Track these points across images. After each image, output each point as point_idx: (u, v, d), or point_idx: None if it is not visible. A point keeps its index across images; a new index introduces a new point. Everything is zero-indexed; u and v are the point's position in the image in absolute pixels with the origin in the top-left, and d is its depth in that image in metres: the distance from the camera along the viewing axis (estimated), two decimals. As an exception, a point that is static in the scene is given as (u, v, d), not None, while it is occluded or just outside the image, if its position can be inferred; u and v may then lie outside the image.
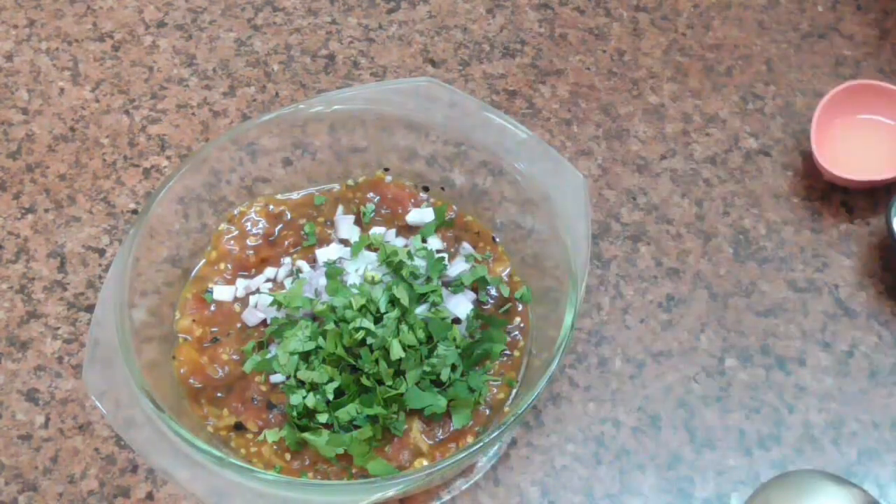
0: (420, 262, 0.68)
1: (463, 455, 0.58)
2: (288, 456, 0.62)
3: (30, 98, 0.84)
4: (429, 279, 0.67)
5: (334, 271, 0.67)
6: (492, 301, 0.68)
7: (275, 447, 0.62)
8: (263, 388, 0.65)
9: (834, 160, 0.77)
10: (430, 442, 0.63)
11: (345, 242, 0.71)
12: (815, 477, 0.59)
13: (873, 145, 0.79)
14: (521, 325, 0.67)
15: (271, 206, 0.72)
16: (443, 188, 0.73)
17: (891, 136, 0.79)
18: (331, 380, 0.63)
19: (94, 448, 0.67)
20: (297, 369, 0.63)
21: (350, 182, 0.74)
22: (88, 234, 0.77)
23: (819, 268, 0.75)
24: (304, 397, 0.62)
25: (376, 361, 0.63)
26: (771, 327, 0.72)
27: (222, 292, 0.68)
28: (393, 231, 0.71)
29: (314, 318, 0.66)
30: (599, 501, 0.66)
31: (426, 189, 0.73)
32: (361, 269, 0.68)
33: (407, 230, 0.72)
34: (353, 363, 0.63)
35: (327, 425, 0.62)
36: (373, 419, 0.62)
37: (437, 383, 0.64)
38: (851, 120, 0.79)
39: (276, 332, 0.66)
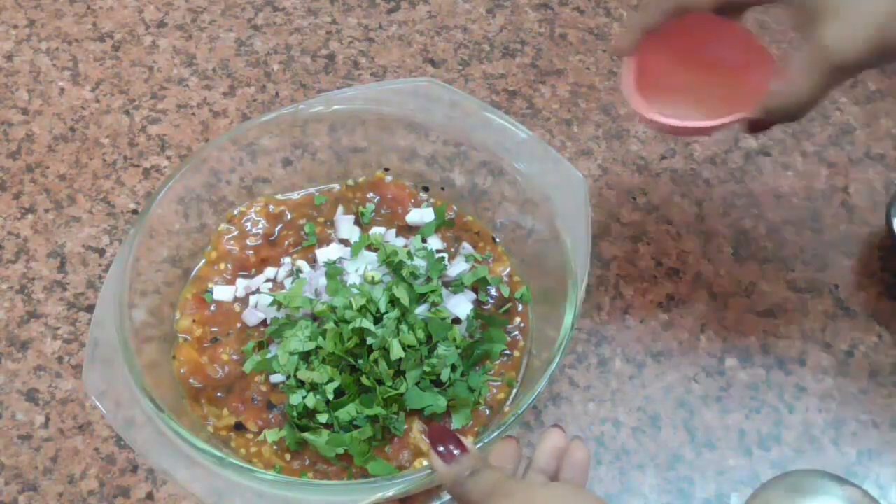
0: (420, 262, 0.68)
1: (463, 455, 0.58)
2: (288, 456, 0.62)
3: (30, 98, 0.84)
4: (429, 279, 0.67)
5: (334, 271, 0.67)
6: (492, 301, 0.68)
7: (275, 447, 0.62)
8: (263, 388, 0.65)
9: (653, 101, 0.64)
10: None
11: (345, 242, 0.71)
12: (815, 477, 0.59)
13: (703, 88, 0.65)
14: (521, 325, 0.67)
15: (271, 206, 0.72)
16: (443, 188, 0.73)
17: (727, 79, 0.64)
18: (331, 380, 0.63)
19: (94, 448, 0.67)
20: (297, 369, 0.63)
21: (350, 182, 0.74)
22: (88, 234, 0.77)
23: (819, 268, 0.75)
24: (304, 397, 0.62)
25: (376, 361, 0.63)
26: (771, 327, 0.72)
27: (222, 292, 0.68)
28: (393, 231, 0.71)
29: (314, 318, 0.66)
30: (599, 501, 0.66)
31: (426, 189, 0.73)
32: (361, 269, 0.68)
33: (407, 230, 0.72)
34: (353, 363, 0.63)
35: (327, 425, 0.62)
36: (373, 419, 0.62)
37: (437, 383, 0.64)
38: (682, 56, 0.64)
39: (276, 332, 0.66)
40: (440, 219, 0.71)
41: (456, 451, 0.51)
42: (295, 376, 0.63)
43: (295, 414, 0.62)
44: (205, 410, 0.64)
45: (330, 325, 0.64)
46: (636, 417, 0.68)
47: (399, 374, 0.63)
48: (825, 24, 0.48)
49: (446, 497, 0.65)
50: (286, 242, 0.71)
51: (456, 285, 0.68)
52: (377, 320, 0.64)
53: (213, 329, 0.67)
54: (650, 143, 0.82)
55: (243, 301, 0.69)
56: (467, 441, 0.52)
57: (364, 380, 0.63)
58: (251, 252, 0.70)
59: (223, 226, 0.71)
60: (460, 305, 0.66)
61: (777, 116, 0.55)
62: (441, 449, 0.52)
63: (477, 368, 0.65)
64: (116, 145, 0.82)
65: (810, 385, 0.70)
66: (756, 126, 0.57)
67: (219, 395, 0.64)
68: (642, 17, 0.59)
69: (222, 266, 0.70)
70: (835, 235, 0.77)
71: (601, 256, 0.76)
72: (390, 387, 0.62)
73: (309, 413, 0.63)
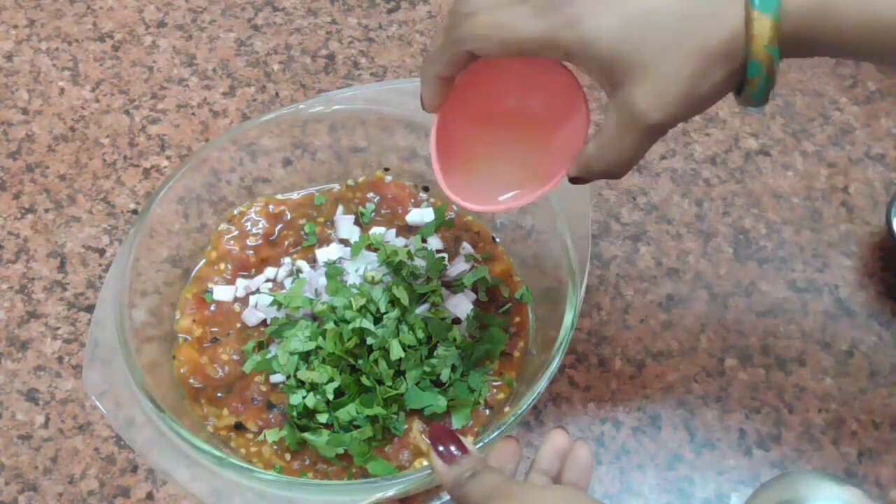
0: (420, 262, 0.68)
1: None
2: (288, 456, 0.62)
3: (30, 98, 0.84)
4: (429, 279, 0.67)
5: (334, 271, 0.67)
6: (492, 301, 0.68)
7: (275, 447, 0.62)
8: (263, 388, 0.65)
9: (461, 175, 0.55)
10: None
11: (345, 242, 0.71)
12: (815, 477, 0.59)
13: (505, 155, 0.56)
14: (522, 324, 0.67)
15: (271, 206, 0.72)
16: (443, 188, 0.73)
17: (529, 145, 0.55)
18: (331, 380, 0.63)
19: (94, 448, 0.67)
20: (297, 369, 0.63)
21: (350, 182, 0.74)
22: (88, 234, 0.77)
23: (819, 268, 0.75)
24: (304, 397, 0.62)
25: (376, 361, 0.63)
26: (771, 327, 0.72)
27: (222, 292, 0.68)
28: (393, 231, 0.71)
29: (314, 318, 0.66)
30: (599, 501, 0.66)
31: (426, 189, 0.73)
32: (361, 269, 0.68)
33: (407, 230, 0.72)
34: (353, 363, 0.63)
35: (327, 425, 0.62)
36: (373, 419, 0.62)
37: (437, 383, 0.64)
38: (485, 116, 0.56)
39: (276, 332, 0.66)
40: (440, 219, 0.71)
41: (456, 452, 0.51)
42: (295, 376, 0.63)
43: (295, 414, 0.62)
44: (205, 410, 0.64)
45: (330, 325, 0.64)
46: (636, 417, 0.68)
47: (399, 374, 0.63)
48: (634, 88, 0.47)
49: (446, 497, 0.65)
50: (286, 242, 0.71)
51: (456, 285, 0.68)
52: (377, 320, 0.64)
53: (213, 329, 0.67)
54: (650, 143, 0.81)
55: (243, 301, 0.69)
56: (467, 442, 0.52)
57: (364, 380, 0.63)
58: (251, 252, 0.70)
59: (223, 226, 0.71)
60: (460, 305, 0.66)
61: (596, 176, 0.53)
62: (441, 449, 0.52)
63: (477, 368, 0.65)
64: (116, 145, 0.82)
65: (810, 385, 0.70)
66: (576, 181, 0.54)
67: (219, 395, 0.64)
68: (431, 67, 0.51)
69: (222, 266, 0.70)
70: (835, 235, 0.77)
71: (601, 256, 0.76)
72: (390, 387, 0.62)
73: (309, 413, 0.63)
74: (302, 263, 0.69)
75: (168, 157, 0.81)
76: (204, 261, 0.70)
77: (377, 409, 0.61)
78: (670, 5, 0.46)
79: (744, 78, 0.47)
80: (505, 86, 0.54)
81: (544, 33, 0.47)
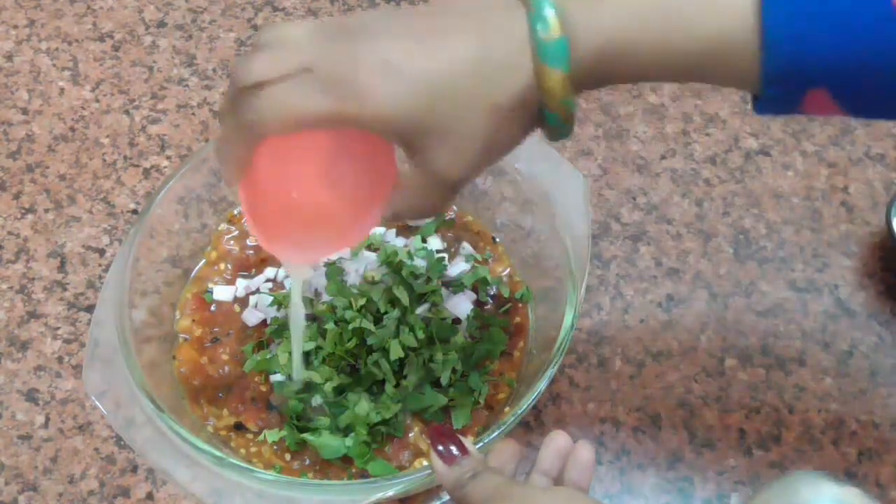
0: (420, 262, 0.68)
1: (463, 455, 0.58)
2: (288, 456, 0.62)
3: (30, 98, 0.84)
4: (429, 279, 0.67)
5: (334, 271, 0.67)
6: (492, 301, 0.68)
7: (275, 447, 0.62)
8: (263, 388, 0.65)
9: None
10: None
11: (345, 242, 0.71)
12: (815, 477, 0.59)
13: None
14: (521, 324, 0.67)
15: (271, 206, 0.72)
16: (443, 188, 0.73)
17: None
18: (331, 380, 0.63)
19: (94, 448, 0.67)
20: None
21: (350, 182, 0.74)
22: (88, 234, 0.77)
23: (819, 268, 0.75)
24: (305, 397, 0.62)
25: (376, 362, 0.63)
26: (771, 327, 0.72)
27: (222, 292, 0.68)
28: (393, 231, 0.71)
29: (314, 318, 0.66)
30: (599, 501, 0.66)
31: (426, 189, 0.73)
32: (361, 269, 0.68)
33: (407, 230, 0.72)
34: (353, 363, 0.63)
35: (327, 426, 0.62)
36: (373, 423, 0.62)
37: (437, 384, 0.64)
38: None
39: (275, 332, 0.66)
40: (440, 219, 0.71)
41: (456, 452, 0.51)
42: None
43: (295, 414, 0.62)
44: (205, 410, 0.64)
45: (330, 325, 0.64)
46: (636, 417, 0.68)
47: (399, 374, 0.63)
48: (430, 152, 0.46)
49: (446, 497, 0.65)
50: (286, 242, 0.71)
51: (456, 285, 0.68)
52: (377, 320, 0.64)
53: (213, 329, 0.67)
54: (650, 143, 0.82)
55: (243, 301, 0.69)
56: (468, 442, 0.52)
57: (364, 380, 0.63)
58: (251, 252, 0.70)
59: (223, 226, 0.71)
60: (460, 305, 0.66)
61: (408, 219, 0.54)
62: (441, 449, 0.52)
63: (477, 368, 0.65)
64: (116, 145, 0.82)
65: (810, 385, 0.70)
66: (393, 217, 0.53)
67: (219, 395, 0.64)
68: (228, 153, 0.49)
69: (222, 266, 0.70)
70: (835, 235, 0.77)
71: (601, 256, 0.76)
72: (390, 387, 0.62)
73: (309, 413, 0.63)
74: (302, 263, 0.70)
75: (168, 157, 0.81)
76: (204, 261, 0.70)
77: (377, 409, 0.62)
78: (457, 68, 0.44)
79: (543, 123, 0.47)
80: (304, 144, 0.51)
81: (333, 109, 0.45)
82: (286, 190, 0.53)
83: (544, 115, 0.46)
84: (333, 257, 0.69)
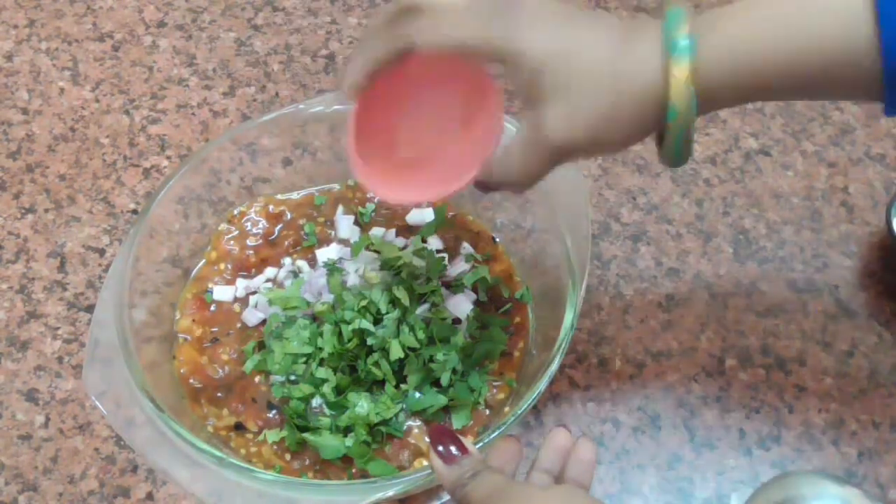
0: (420, 262, 0.68)
1: (463, 455, 0.58)
2: (288, 456, 0.62)
3: (30, 98, 0.84)
4: (429, 279, 0.67)
5: (334, 271, 0.67)
6: (492, 301, 0.68)
7: (275, 447, 0.62)
8: (263, 388, 0.65)
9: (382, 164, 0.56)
10: (431, 442, 0.63)
11: (345, 242, 0.71)
12: (815, 477, 0.59)
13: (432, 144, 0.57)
14: (522, 324, 0.67)
15: (271, 206, 0.72)
16: (443, 188, 0.73)
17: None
18: (331, 380, 0.63)
19: (94, 448, 0.67)
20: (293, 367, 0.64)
21: (350, 182, 0.74)
22: (88, 234, 0.77)
23: (819, 268, 0.75)
24: (304, 398, 0.62)
25: (376, 362, 0.63)
26: (771, 327, 0.72)
27: (222, 292, 0.68)
28: (393, 231, 0.71)
29: (314, 318, 0.66)
30: (599, 501, 0.66)
31: (426, 189, 0.73)
32: (361, 269, 0.68)
33: (407, 230, 0.72)
34: (353, 363, 0.63)
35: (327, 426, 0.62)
36: (373, 423, 0.62)
37: (437, 384, 0.64)
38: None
39: (274, 332, 0.66)
40: (440, 219, 0.71)
41: (456, 452, 0.52)
42: (290, 378, 0.64)
43: (295, 414, 0.62)
44: (205, 410, 0.64)
45: (330, 326, 0.64)
46: (636, 417, 0.68)
47: (399, 374, 0.63)
48: (546, 108, 0.49)
49: (446, 497, 0.65)
50: (286, 242, 0.71)
51: (456, 285, 0.68)
52: (377, 321, 0.64)
53: (213, 329, 0.67)
54: (650, 143, 0.81)
55: (243, 301, 0.69)
56: (468, 442, 0.52)
57: (364, 380, 0.63)
58: (251, 252, 0.70)
59: (223, 226, 0.71)
60: (460, 305, 0.66)
61: (495, 185, 0.55)
62: (441, 449, 0.52)
63: (477, 368, 0.65)
64: (116, 145, 0.82)
65: (810, 385, 0.70)
66: (479, 186, 0.56)
67: (219, 395, 0.64)
68: (367, 53, 0.52)
69: (222, 266, 0.70)
70: (835, 235, 0.77)
71: (601, 256, 0.76)
72: (391, 387, 0.62)
73: (308, 413, 0.63)
74: (302, 263, 0.70)
75: (168, 157, 0.81)
76: (204, 261, 0.70)
77: (378, 410, 0.62)
78: (596, 45, 0.49)
79: (661, 127, 0.50)
80: (426, 84, 0.55)
81: (484, 35, 0.49)
82: (396, 126, 0.56)
83: (666, 113, 0.49)
84: (331, 258, 0.69)
